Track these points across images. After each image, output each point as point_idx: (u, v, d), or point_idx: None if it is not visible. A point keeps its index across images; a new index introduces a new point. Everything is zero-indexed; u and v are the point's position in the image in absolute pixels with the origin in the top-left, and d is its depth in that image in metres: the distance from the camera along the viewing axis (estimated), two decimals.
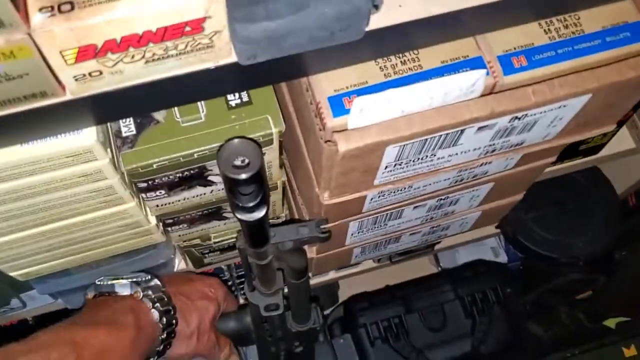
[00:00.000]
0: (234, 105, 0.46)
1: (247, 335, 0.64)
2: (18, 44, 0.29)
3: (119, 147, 0.43)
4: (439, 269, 1.21)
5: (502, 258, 1.20)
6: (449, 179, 0.52)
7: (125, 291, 0.55)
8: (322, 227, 0.46)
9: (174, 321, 0.57)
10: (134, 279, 0.56)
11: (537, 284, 1.12)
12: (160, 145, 0.44)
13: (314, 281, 0.98)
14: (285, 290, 0.54)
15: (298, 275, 0.49)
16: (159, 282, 0.57)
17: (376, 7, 0.35)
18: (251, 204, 0.37)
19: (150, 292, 0.55)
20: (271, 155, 0.49)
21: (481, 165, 0.50)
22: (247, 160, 0.34)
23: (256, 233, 0.41)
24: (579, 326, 1.12)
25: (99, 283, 0.55)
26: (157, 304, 0.55)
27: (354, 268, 0.99)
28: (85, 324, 0.49)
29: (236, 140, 0.35)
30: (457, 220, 0.66)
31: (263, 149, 0.48)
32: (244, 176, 0.34)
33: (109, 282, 0.55)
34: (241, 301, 0.89)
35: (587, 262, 1.00)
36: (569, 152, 0.73)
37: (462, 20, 0.38)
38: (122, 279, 0.55)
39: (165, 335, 0.55)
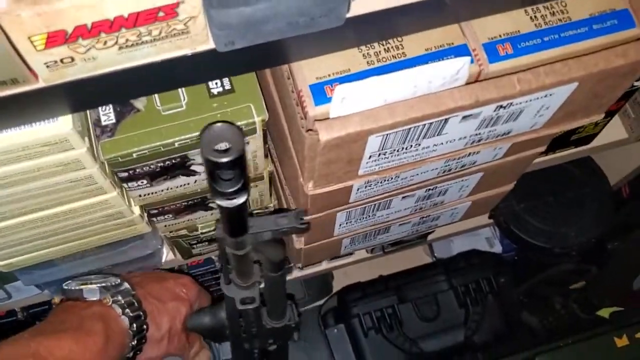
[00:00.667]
0: (215, 93, 0.45)
1: (221, 331, 0.63)
2: None
3: (98, 136, 0.43)
4: (434, 259, 1.21)
5: (497, 248, 1.20)
6: (436, 169, 0.51)
7: (94, 297, 0.52)
8: (301, 218, 0.45)
9: (144, 327, 0.55)
10: (103, 284, 0.53)
11: (531, 274, 1.12)
12: (140, 134, 0.43)
13: (307, 271, 0.98)
14: (262, 286, 0.53)
15: (275, 268, 0.48)
16: (128, 286, 0.55)
17: None
18: (231, 190, 0.36)
19: (119, 297, 0.53)
20: (255, 144, 0.48)
21: (469, 155, 0.49)
22: (229, 145, 0.34)
23: (235, 221, 0.40)
24: (573, 316, 1.12)
25: (66, 287, 0.53)
26: (127, 310, 0.53)
27: (348, 258, 0.99)
28: (51, 333, 0.48)
29: (219, 124, 0.35)
30: (447, 210, 0.66)
31: (246, 138, 0.47)
32: (225, 160, 0.33)
33: (77, 287, 0.52)
34: None
35: (580, 252, 1.00)
36: (561, 142, 0.72)
37: (447, 7, 0.37)
38: (90, 283, 0.53)
39: (135, 341, 0.54)
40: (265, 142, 0.49)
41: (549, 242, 0.97)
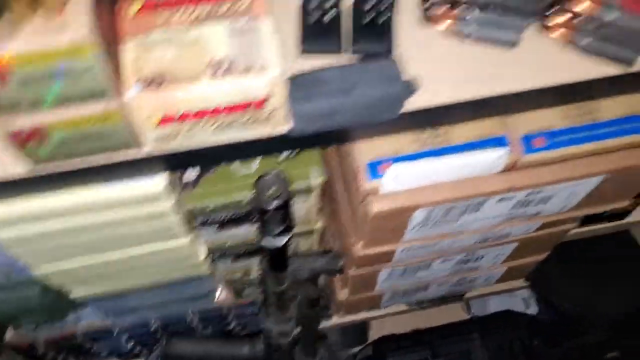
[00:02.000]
0: (282, 158, 0.52)
1: None
2: (113, 110, 0.35)
3: (181, 188, 0.50)
4: (470, 315, 1.23)
5: (533, 309, 1.21)
6: (473, 238, 0.56)
7: None
8: (337, 261, 0.51)
9: None
10: None
11: (567, 339, 1.13)
12: (217, 189, 0.50)
13: (345, 319, 1.02)
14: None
15: (311, 304, 0.53)
16: None
17: (412, 92, 0.41)
18: (277, 231, 0.42)
19: None
20: (311, 202, 0.54)
21: (503, 229, 0.54)
22: (278, 192, 0.40)
23: (278, 258, 0.46)
24: None
25: None
26: None
27: (387, 309, 1.02)
28: None
29: (270, 174, 0.41)
30: (483, 274, 0.70)
31: (304, 197, 0.53)
32: (275, 203, 0.40)
33: None
34: None
35: (614, 323, 1.01)
36: (594, 216, 0.75)
37: (489, 104, 0.43)
38: None
39: None
40: (321, 200, 0.55)
41: (582, 310, 0.99)
